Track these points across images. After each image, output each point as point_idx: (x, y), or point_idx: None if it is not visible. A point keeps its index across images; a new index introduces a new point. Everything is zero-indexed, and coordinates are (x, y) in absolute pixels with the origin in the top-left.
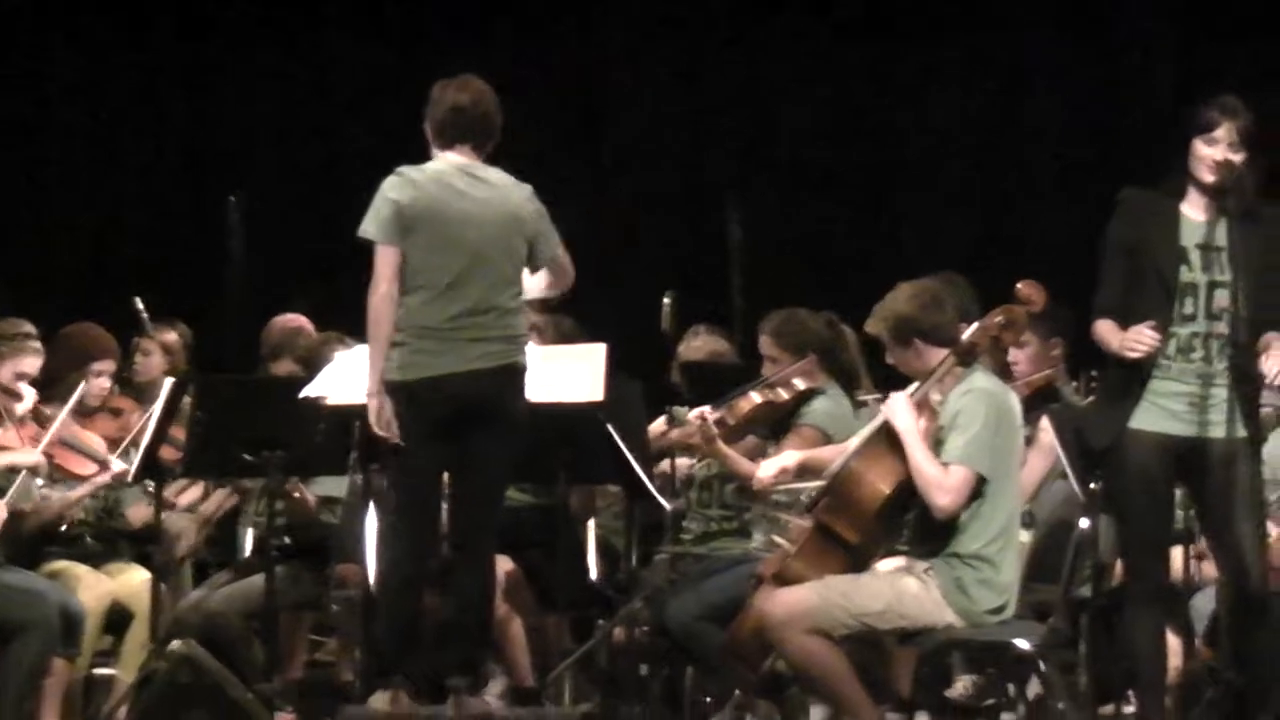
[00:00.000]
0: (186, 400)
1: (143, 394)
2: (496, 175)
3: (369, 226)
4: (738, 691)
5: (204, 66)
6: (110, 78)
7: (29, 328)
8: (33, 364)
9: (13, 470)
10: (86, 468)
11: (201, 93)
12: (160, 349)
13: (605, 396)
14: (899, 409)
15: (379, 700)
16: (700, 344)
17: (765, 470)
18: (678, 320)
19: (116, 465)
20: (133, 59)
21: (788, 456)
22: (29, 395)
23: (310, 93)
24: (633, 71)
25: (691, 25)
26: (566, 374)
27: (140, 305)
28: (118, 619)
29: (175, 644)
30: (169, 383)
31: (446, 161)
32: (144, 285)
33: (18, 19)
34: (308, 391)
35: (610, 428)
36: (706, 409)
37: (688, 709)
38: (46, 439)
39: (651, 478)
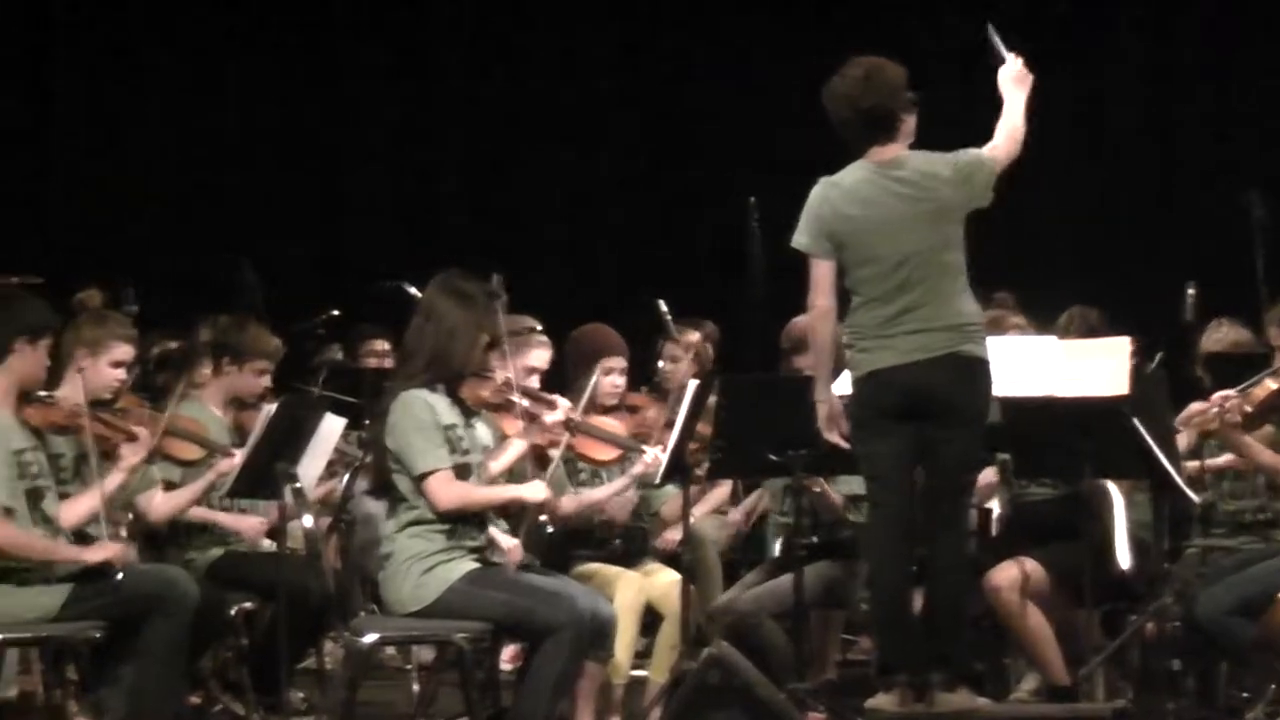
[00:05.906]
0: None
1: (661, 391)
2: (916, 164)
3: (800, 238)
4: (1273, 686)
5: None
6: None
7: (533, 322)
8: (540, 358)
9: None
10: (607, 453)
11: (698, 91)
12: (685, 352)
13: (1130, 390)
14: None
15: (881, 700)
16: (1222, 335)
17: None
18: (1201, 310)
19: (648, 453)
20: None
21: None
22: (562, 405)
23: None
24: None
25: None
26: (1091, 368)
27: (664, 307)
28: (648, 620)
29: (706, 645)
30: (693, 383)
31: (862, 167)
32: (667, 287)
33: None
34: (836, 390)
35: (1136, 421)
36: (1224, 394)
37: (1222, 704)
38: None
39: (1180, 471)
